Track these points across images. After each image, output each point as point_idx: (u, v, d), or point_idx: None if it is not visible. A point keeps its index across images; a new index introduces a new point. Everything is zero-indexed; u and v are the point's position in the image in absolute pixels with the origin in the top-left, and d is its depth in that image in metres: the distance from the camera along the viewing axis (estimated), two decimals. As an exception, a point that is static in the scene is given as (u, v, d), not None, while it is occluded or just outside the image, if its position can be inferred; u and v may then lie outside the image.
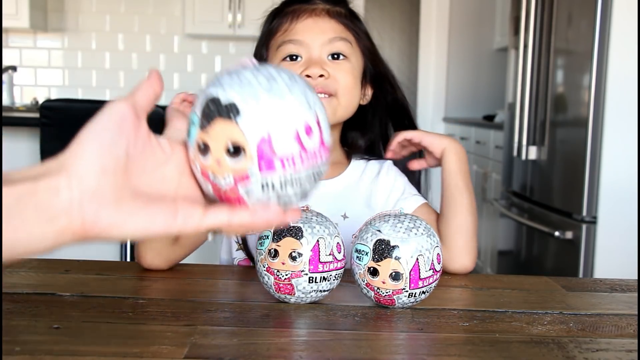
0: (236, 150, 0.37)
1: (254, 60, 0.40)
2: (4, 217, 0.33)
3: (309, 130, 0.38)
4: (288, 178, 0.38)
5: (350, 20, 0.90)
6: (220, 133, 0.38)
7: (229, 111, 0.37)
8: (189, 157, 0.41)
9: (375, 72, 0.93)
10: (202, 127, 0.39)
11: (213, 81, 0.40)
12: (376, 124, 0.96)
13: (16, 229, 0.34)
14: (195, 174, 0.41)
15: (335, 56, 0.86)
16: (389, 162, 0.93)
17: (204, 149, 0.39)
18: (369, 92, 0.93)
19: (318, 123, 0.39)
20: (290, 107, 0.38)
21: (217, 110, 0.38)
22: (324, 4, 0.89)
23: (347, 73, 0.86)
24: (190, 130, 0.40)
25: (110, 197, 0.36)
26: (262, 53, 0.91)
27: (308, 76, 0.83)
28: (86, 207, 0.36)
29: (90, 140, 0.37)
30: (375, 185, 0.90)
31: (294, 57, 0.86)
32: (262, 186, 0.38)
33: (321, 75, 0.83)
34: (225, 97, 0.38)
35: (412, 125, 0.94)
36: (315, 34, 0.86)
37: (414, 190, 0.91)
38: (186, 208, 0.39)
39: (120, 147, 0.37)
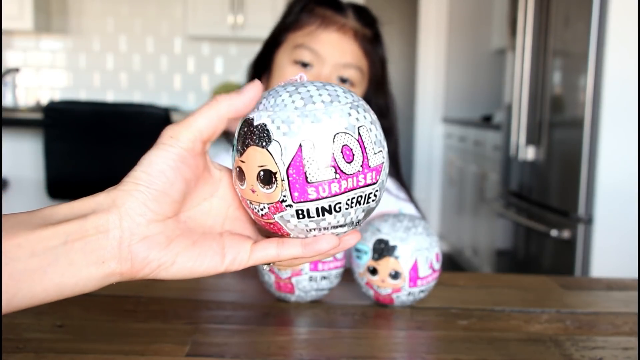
0: (268, 178, 0.35)
1: (304, 76, 0.38)
2: (51, 261, 0.32)
3: (348, 154, 0.35)
4: (325, 205, 0.35)
5: (373, 46, 0.90)
6: (253, 159, 0.35)
7: (260, 136, 0.35)
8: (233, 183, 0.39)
9: (375, 103, 0.93)
10: (238, 152, 0.36)
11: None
12: None
13: (63, 271, 0.32)
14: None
15: (343, 80, 0.87)
16: None
17: (240, 175, 0.37)
18: None
19: (362, 145, 0.35)
20: (325, 131, 0.34)
21: (249, 135, 0.35)
22: (355, 21, 0.89)
23: None
24: (232, 154, 0.38)
25: (161, 239, 0.35)
26: (281, 38, 0.91)
27: None
28: (135, 250, 0.34)
29: (145, 181, 0.35)
30: None
31: (305, 64, 0.87)
32: (298, 214, 0.35)
33: None
34: (258, 121, 0.35)
35: (396, 166, 0.95)
36: (335, 52, 0.87)
37: (402, 194, 0.94)
38: (234, 245, 0.37)
39: (177, 190, 0.36)
